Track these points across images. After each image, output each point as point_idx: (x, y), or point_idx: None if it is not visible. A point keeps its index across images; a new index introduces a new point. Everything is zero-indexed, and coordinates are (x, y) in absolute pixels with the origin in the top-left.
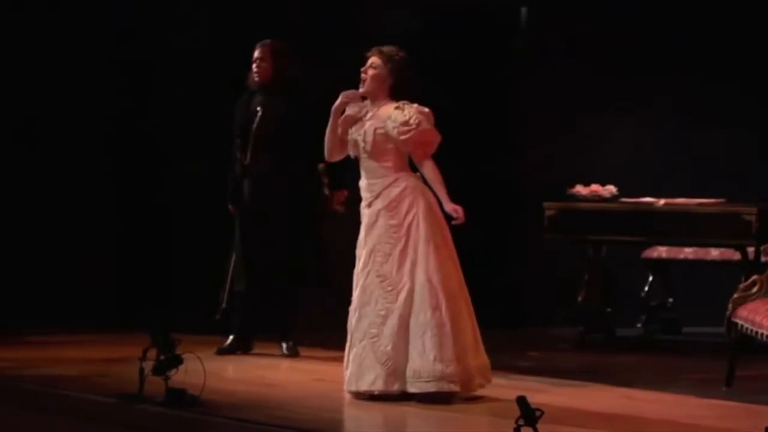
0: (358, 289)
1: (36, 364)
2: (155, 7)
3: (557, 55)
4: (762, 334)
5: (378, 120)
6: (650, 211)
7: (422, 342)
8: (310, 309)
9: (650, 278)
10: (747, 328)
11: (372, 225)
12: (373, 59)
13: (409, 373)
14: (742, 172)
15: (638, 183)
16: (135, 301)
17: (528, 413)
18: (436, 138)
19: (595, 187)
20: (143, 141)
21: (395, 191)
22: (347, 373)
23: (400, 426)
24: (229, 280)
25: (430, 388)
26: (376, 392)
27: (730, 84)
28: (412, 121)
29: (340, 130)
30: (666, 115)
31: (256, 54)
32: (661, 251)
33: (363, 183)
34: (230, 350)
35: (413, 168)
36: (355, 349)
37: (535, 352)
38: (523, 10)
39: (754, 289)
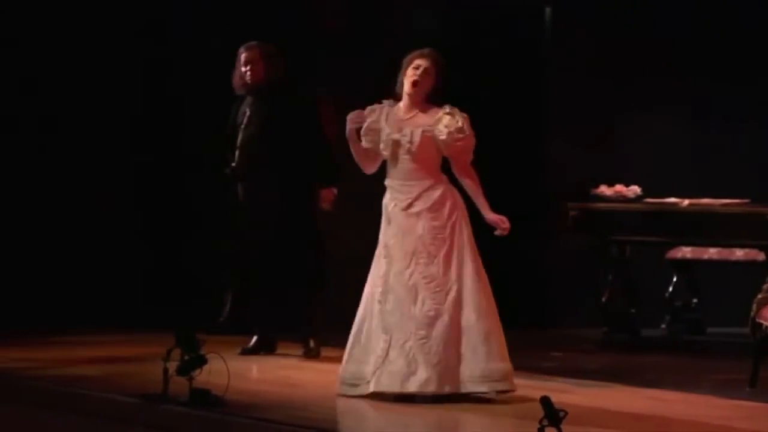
0: (397, 290)
1: (60, 365)
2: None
3: (582, 55)
4: None
5: (424, 123)
6: (674, 212)
7: (478, 344)
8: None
9: (674, 279)
10: None
11: (411, 227)
12: (427, 64)
13: (473, 374)
14: (767, 172)
15: (663, 183)
16: (160, 301)
17: (552, 414)
18: (474, 143)
19: (619, 187)
20: (168, 142)
21: (436, 193)
22: (382, 374)
23: (425, 427)
24: (230, 283)
25: (502, 387)
26: (428, 393)
27: (756, 85)
28: (465, 128)
29: (365, 144)
30: (691, 115)
31: (246, 57)
32: (686, 252)
33: (395, 183)
34: (254, 351)
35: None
36: (397, 350)
37: (559, 353)
38: (548, 10)
39: None
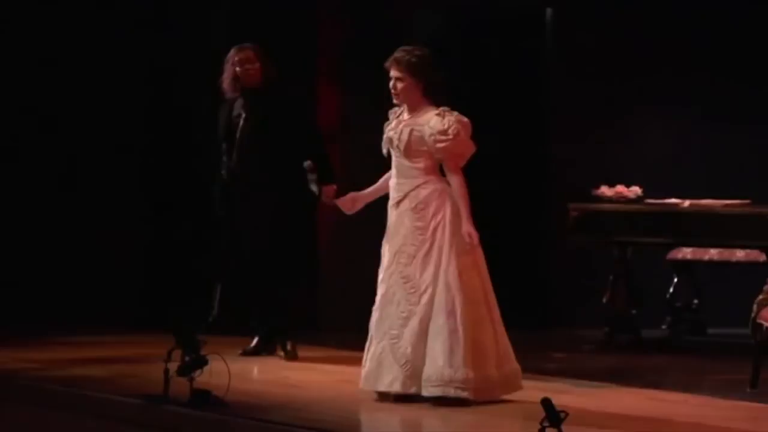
0: (380, 289)
1: (61, 365)
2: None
3: (583, 56)
4: None
5: (416, 123)
6: (675, 213)
7: (434, 346)
8: (334, 309)
9: (675, 279)
10: None
11: (398, 225)
12: (396, 73)
13: (423, 376)
14: None
15: (664, 184)
16: (161, 302)
17: (553, 415)
18: (470, 150)
19: (620, 188)
20: (168, 143)
21: (423, 193)
22: (364, 371)
23: (424, 428)
24: (218, 284)
25: (437, 392)
26: (392, 393)
27: (758, 85)
28: (450, 130)
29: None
30: (692, 115)
31: (241, 57)
32: (686, 252)
33: (392, 182)
34: (255, 352)
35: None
36: (373, 348)
37: (560, 354)
38: (549, 11)
39: None
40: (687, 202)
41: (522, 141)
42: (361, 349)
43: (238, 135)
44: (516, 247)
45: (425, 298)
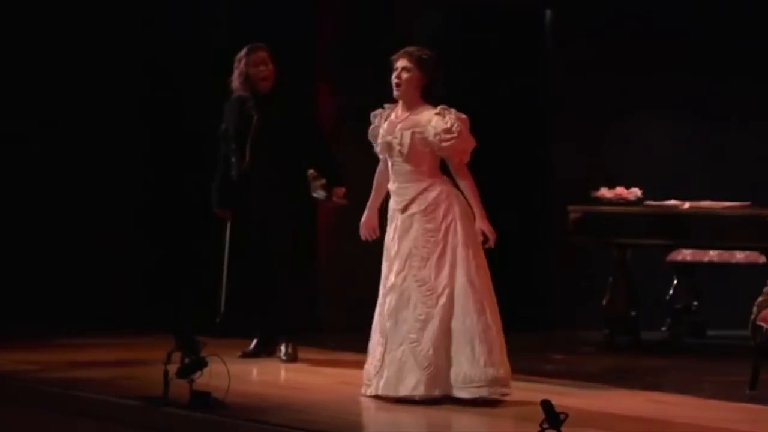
0: (392, 294)
1: (61, 367)
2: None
3: (582, 57)
4: None
5: (416, 124)
6: (675, 214)
7: (471, 347)
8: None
9: (675, 281)
10: None
11: (406, 229)
12: (404, 63)
13: (458, 378)
14: None
15: (664, 186)
16: (160, 303)
17: (552, 416)
18: (472, 144)
19: (619, 189)
20: (169, 145)
21: (431, 195)
22: (381, 379)
23: (424, 428)
24: (225, 284)
25: (483, 393)
26: (417, 397)
27: (758, 86)
28: (454, 128)
29: (376, 149)
30: (692, 116)
31: (260, 57)
32: (686, 254)
33: (393, 186)
34: (255, 354)
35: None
36: (392, 354)
37: (560, 355)
38: (548, 12)
39: None
40: (687, 204)
41: (521, 141)
42: (361, 350)
43: (251, 136)
44: (516, 249)
45: (443, 299)
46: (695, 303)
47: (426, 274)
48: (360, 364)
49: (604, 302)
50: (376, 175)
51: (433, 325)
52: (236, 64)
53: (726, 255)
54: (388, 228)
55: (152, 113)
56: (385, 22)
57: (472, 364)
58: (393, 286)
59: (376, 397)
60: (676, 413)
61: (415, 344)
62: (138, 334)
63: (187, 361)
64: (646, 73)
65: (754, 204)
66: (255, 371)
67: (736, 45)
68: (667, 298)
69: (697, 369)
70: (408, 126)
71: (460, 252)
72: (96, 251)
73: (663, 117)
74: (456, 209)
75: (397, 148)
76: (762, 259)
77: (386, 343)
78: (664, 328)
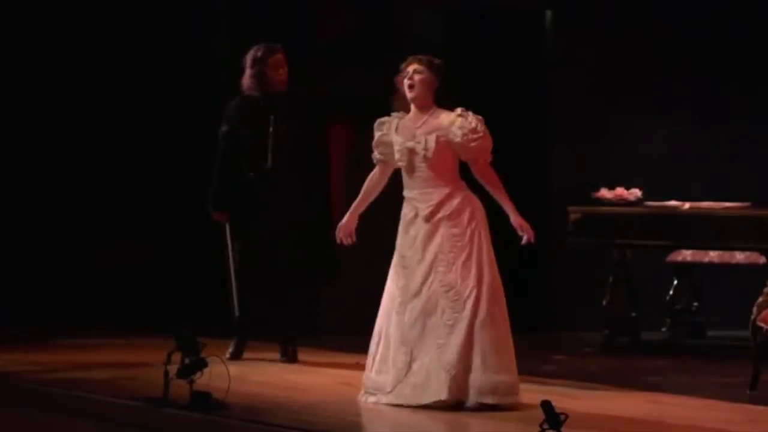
0: (416, 301)
1: (62, 368)
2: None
3: (582, 58)
4: None
5: (437, 127)
6: (675, 215)
7: (486, 354)
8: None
9: (675, 282)
10: None
11: (431, 235)
12: (416, 66)
13: (474, 384)
14: None
15: (664, 186)
16: (162, 304)
17: (553, 417)
18: (492, 144)
19: (620, 190)
20: (170, 145)
21: (456, 201)
22: (405, 387)
23: (425, 429)
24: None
25: (497, 400)
26: (441, 403)
27: (758, 88)
28: (479, 128)
29: (378, 156)
30: (692, 118)
31: (274, 60)
32: (686, 255)
33: (413, 193)
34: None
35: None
36: (419, 362)
37: (560, 356)
38: (548, 13)
39: None
40: (687, 205)
41: (521, 142)
42: (362, 351)
43: (272, 137)
44: (516, 250)
45: (470, 302)
46: (695, 304)
47: (452, 278)
48: (360, 365)
49: (604, 303)
50: (367, 181)
51: (460, 330)
52: (250, 63)
53: (726, 256)
54: (402, 236)
55: (153, 114)
56: (385, 22)
57: (486, 371)
58: (417, 294)
59: (398, 405)
60: (676, 414)
61: (441, 349)
62: (138, 335)
63: (187, 361)
64: (646, 73)
65: (754, 205)
66: (255, 372)
67: (737, 46)
68: (667, 298)
69: (697, 370)
70: (430, 130)
71: (485, 257)
72: (96, 252)
73: (663, 117)
74: (478, 214)
75: (422, 152)
76: (762, 259)
77: (412, 352)
78: (664, 329)
